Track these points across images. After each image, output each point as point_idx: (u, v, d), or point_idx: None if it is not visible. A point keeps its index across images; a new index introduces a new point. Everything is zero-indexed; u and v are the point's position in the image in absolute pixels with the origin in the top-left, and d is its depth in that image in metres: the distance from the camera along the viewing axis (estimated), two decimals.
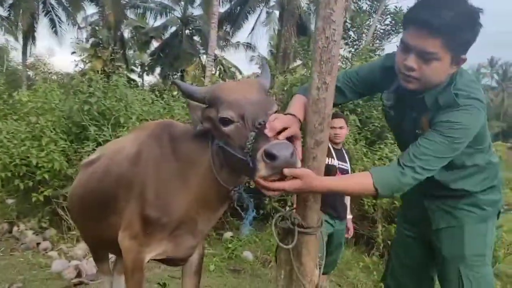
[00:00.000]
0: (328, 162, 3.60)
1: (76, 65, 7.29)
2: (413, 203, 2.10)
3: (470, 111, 1.64)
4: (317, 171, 1.66)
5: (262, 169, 1.44)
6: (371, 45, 11.86)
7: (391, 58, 1.83)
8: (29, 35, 23.57)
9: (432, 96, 1.72)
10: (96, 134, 5.90)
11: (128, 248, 2.06)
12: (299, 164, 1.50)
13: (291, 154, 1.43)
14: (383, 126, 7.50)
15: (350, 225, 4.27)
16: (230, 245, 5.80)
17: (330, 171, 3.55)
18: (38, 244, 5.66)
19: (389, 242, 5.93)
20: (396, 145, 6.76)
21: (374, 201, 6.02)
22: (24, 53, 23.99)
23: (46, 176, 5.62)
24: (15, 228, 6.09)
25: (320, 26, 1.56)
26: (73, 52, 7.66)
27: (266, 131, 1.47)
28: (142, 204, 1.99)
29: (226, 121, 1.61)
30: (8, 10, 23.42)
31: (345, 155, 4.02)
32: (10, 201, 6.59)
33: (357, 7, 12.21)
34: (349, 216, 4.22)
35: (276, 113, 1.61)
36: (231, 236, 6.18)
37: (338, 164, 3.81)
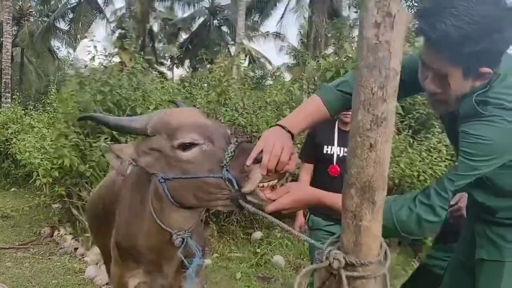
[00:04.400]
0: (324, 150, 3.00)
1: (88, 52, 6.74)
2: (466, 222, 1.84)
3: (496, 123, 1.31)
4: (377, 167, 1.00)
5: (255, 174, 1.32)
6: (410, 26, 10.93)
7: None
8: None
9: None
10: None
11: (112, 272, 2.02)
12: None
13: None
14: (429, 113, 6.73)
15: None
16: (258, 250, 5.18)
17: (325, 162, 2.98)
18: (76, 249, 5.52)
19: None
20: (445, 134, 6.02)
21: None
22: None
23: (57, 173, 5.17)
24: (56, 233, 5.98)
25: None
26: (85, 37, 7.06)
27: (261, 171, 1.31)
28: (116, 229, 1.94)
29: (188, 146, 1.45)
30: (69, 24, 23.91)
31: None
32: (55, 205, 6.56)
33: None
34: None
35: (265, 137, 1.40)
36: (259, 239, 5.57)
37: (341, 152, 2.99)
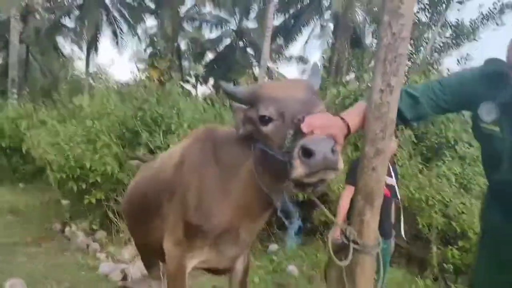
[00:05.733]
0: None
1: (136, 75, 7.52)
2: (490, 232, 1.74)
3: None
4: (376, 183, 1.51)
5: (298, 168, 1.28)
6: (428, 58, 11.39)
7: (493, 63, 1.56)
8: (92, 46, 24.76)
9: None
10: (148, 140, 5.99)
11: (171, 254, 2.05)
12: (341, 163, 1.30)
13: (331, 150, 1.25)
14: (441, 142, 7.15)
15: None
16: (275, 258, 5.64)
17: None
18: (88, 245, 5.80)
19: (444, 265, 5.55)
20: (454, 162, 6.45)
21: (429, 221, 5.69)
22: (87, 62, 25.21)
23: (99, 179, 5.75)
24: (67, 229, 6.29)
25: (386, 21, 1.41)
26: (132, 60, 7.89)
27: (302, 126, 1.33)
28: (184, 210, 1.96)
29: (266, 120, 1.50)
30: (75, 22, 24.76)
31: (391, 170, 3.83)
32: (64, 202, 6.87)
33: (416, 19, 11.74)
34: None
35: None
36: (276, 249, 6.03)
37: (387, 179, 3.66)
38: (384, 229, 3.51)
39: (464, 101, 1.67)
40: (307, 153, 1.26)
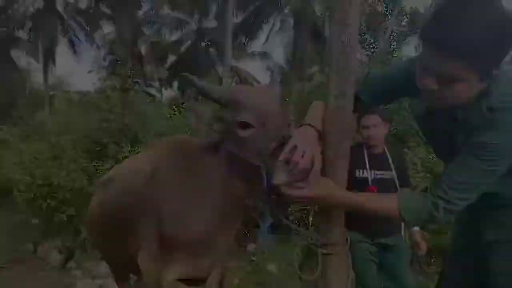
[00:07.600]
0: (357, 174, 3.01)
1: (94, 83, 7.37)
2: (460, 215, 1.79)
3: (510, 127, 1.37)
4: (338, 182, 1.57)
5: (280, 175, 1.41)
6: (387, 47, 11.67)
7: (415, 64, 1.58)
8: (49, 56, 24.06)
9: (463, 112, 1.45)
10: (116, 151, 5.91)
11: (147, 270, 2.03)
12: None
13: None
14: (405, 129, 7.33)
15: (419, 238, 3.25)
16: (254, 258, 5.69)
17: (359, 184, 2.82)
18: (64, 263, 5.65)
19: None
20: (419, 148, 6.64)
21: None
22: (45, 73, 24.48)
23: (68, 195, 5.65)
24: (39, 248, 6.12)
25: (335, 31, 1.47)
26: (90, 71, 7.77)
27: (293, 159, 1.41)
28: (159, 223, 1.95)
29: (245, 125, 1.56)
30: (29, 33, 23.95)
31: (389, 159, 3.13)
32: (34, 221, 6.68)
33: (372, 10, 12.00)
34: (416, 228, 3.28)
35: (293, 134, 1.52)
36: (254, 248, 6.08)
37: (374, 175, 3.04)
38: (373, 228, 3.00)
39: (398, 93, 1.79)
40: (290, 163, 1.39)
